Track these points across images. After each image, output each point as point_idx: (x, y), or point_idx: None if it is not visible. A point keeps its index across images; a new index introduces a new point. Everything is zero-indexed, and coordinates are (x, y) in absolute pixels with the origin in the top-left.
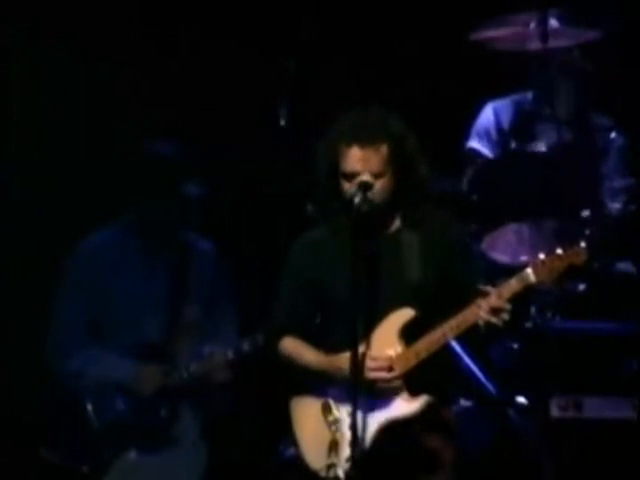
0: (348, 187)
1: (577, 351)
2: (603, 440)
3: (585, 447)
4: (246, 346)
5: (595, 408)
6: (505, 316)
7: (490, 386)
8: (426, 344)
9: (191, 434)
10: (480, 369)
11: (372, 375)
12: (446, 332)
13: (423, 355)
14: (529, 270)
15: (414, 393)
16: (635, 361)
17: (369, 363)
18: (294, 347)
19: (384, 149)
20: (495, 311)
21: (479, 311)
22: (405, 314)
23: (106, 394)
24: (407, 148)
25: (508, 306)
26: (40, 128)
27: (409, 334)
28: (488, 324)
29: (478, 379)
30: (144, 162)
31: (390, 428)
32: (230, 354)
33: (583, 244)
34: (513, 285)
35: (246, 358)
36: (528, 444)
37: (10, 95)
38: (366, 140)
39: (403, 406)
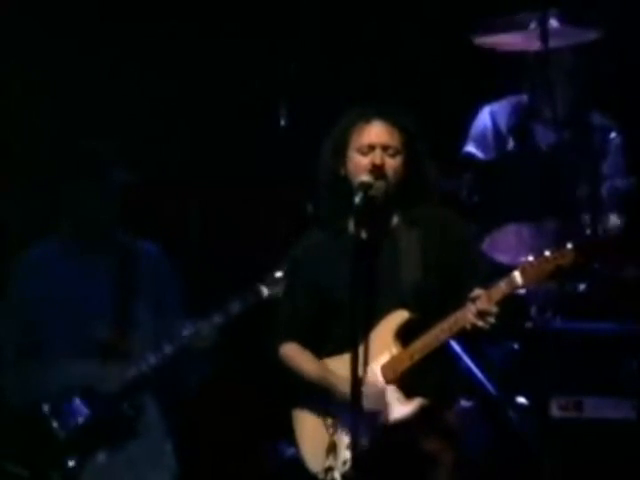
0: (363, 163)
1: (577, 351)
2: (603, 440)
3: (585, 447)
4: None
5: (595, 408)
6: (492, 319)
7: (490, 386)
8: (419, 346)
9: (156, 426)
10: (480, 369)
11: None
12: (438, 334)
13: (417, 357)
14: (517, 273)
15: (409, 396)
16: (635, 361)
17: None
18: (294, 355)
19: (399, 134)
20: (482, 314)
21: (468, 314)
22: (400, 316)
23: (64, 402)
24: (419, 147)
25: (495, 309)
26: None
27: (407, 336)
28: (475, 327)
29: (478, 379)
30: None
31: (388, 431)
32: (217, 319)
33: (570, 245)
34: (502, 288)
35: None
36: (528, 444)
37: None
38: (388, 117)
39: (398, 409)
